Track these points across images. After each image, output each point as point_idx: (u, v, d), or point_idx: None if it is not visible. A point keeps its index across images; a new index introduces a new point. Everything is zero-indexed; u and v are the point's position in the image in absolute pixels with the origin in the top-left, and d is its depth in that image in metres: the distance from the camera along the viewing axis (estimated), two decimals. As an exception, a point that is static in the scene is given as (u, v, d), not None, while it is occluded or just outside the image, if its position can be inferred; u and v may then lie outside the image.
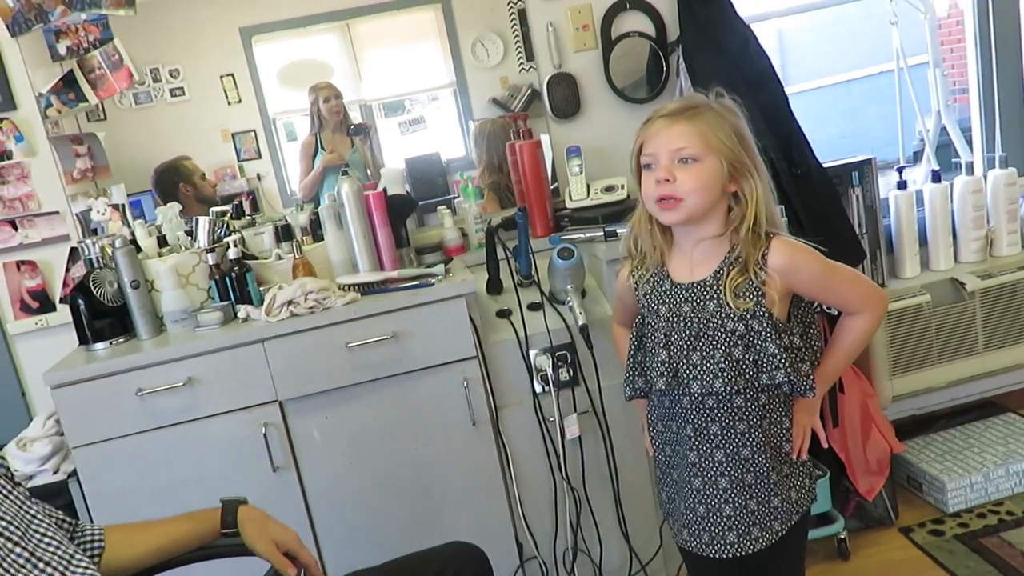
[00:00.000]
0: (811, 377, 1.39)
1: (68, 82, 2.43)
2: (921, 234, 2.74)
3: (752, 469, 1.42)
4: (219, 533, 1.45)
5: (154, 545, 1.42)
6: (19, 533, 1.20)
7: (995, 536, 2.35)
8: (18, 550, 1.18)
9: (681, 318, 1.41)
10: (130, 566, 1.40)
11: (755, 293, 1.36)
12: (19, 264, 2.46)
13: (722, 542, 1.44)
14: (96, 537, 1.40)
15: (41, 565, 1.20)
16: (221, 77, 2.55)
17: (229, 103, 2.57)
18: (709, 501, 1.45)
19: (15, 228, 2.44)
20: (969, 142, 3.05)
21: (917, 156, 3.62)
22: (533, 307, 2.18)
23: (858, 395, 2.38)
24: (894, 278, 2.75)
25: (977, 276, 2.67)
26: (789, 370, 1.35)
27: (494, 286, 2.28)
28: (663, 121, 1.38)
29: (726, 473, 1.43)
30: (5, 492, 1.25)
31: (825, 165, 2.46)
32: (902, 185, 2.69)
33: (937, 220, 2.71)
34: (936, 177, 2.73)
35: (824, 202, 2.38)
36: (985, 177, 2.75)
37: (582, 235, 2.29)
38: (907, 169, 2.76)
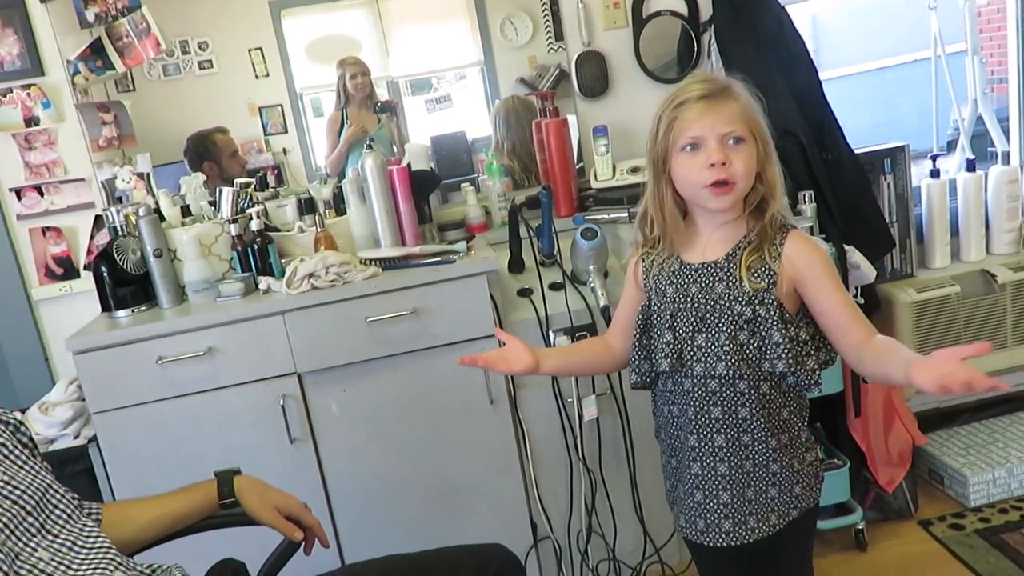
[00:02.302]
0: (817, 373, 1.35)
1: (96, 50, 2.43)
2: (953, 224, 2.69)
3: (752, 456, 1.40)
4: (217, 505, 1.43)
5: (150, 520, 1.39)
6: (32, 503, 1.19)
7: (1017, 532, 2.31)
8: (31, 519, 1.17)
9: (688, 299, 1.38)
10: (128, 544, 1.36)
11: (767, 276, 1.33)
12: (44, 230, 2.48)
13: (717, 530, 1.42)
14: (94, 511, 1.35)
15: (51, 538, 1.18)
16: (249, 51, 2.54)
17: (257, 77, 2.56)
18: (707, 487, 1.42)
19: (41, 194, 2.46)
20: (1006, 132, 2.99)
21: (951, 146, 3.55)
22: (554, 287, 2.17)
23: (881, 386, 2.34)
24: (923, 268, 2.71)
25: (1009, 268, 2.62)
26: (791, 361, 1.32)
27: (516, 265, 2.27)
28: (705, 103, 1.31)
29: (725, 459, 1.40)
30: (20, 462, 1.23)
31: (857, 152, 2.42)
32: (935, 173, 2.64)
33: (970, 210, 2.66)
34: (971, 166, 2.68)
35: (854, 189, 2.35)
36: (1022, 167, 2.69)
37: (606, 216, 2.27)
38: (941, 158, 2.70)
